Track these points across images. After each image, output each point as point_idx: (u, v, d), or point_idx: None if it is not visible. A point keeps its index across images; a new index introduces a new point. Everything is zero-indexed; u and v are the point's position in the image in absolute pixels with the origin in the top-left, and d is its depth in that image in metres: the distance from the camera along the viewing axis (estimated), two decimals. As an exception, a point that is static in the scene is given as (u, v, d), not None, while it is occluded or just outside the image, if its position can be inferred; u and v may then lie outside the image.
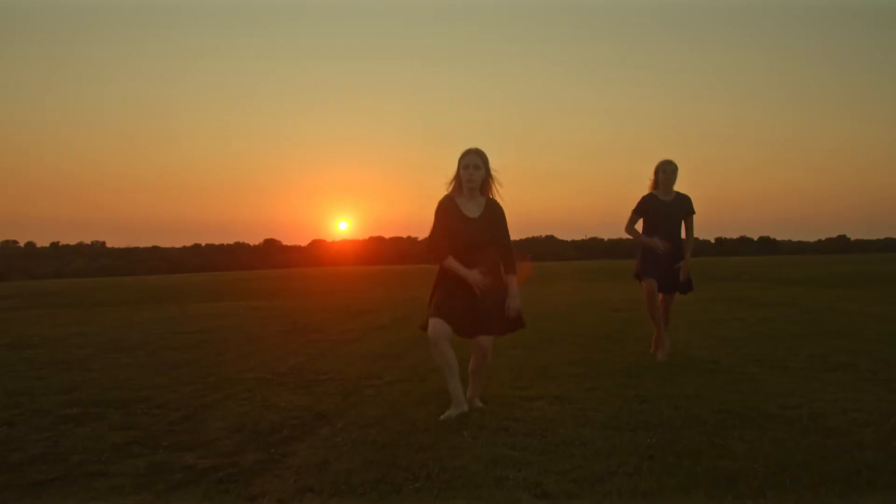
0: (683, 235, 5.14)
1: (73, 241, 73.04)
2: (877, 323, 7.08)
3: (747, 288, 13.70)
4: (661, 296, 5.07)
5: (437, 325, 3.35)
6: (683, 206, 5.10)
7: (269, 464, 2.80)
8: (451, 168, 3.54)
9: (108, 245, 74.09)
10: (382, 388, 4.28)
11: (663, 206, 5.05)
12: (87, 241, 74.30)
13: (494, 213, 3.55)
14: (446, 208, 3.51)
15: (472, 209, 3.51)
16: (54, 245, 70.66)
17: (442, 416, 3.39)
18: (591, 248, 76.15)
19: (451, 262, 3.42)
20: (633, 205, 5.12)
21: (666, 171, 5.02)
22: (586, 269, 26.54)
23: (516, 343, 6.23)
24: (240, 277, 26.73)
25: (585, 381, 4.33)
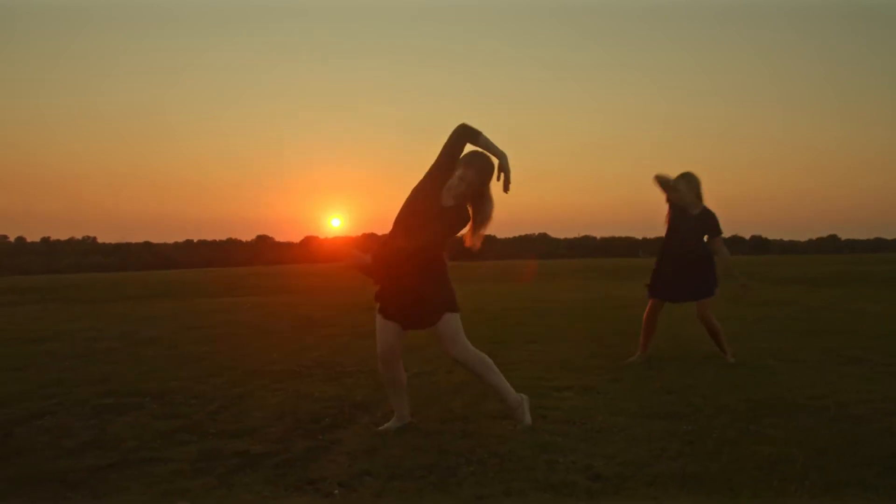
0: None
1: (63, 237, 72.54)
2: (879, 321, 7.24)
3: (746, 286, 13.86)
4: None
5: (381, 342, 3.19)
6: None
7: (319, 450, 2.88)
8: None
9: (100, 241, 73.60)
10: (411, 380, 4.33)
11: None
12: (79, 236, 73.82)
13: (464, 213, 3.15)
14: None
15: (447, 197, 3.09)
16: (45, 240, 70.11)
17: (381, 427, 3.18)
18: (584, 247, 76.43)
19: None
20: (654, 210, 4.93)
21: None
22: (585, 267, 26.73)
23: (529, 338, 6.35)
24: (236, 274, 26.71)
25: (608, 373, 4.44)
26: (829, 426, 2.99)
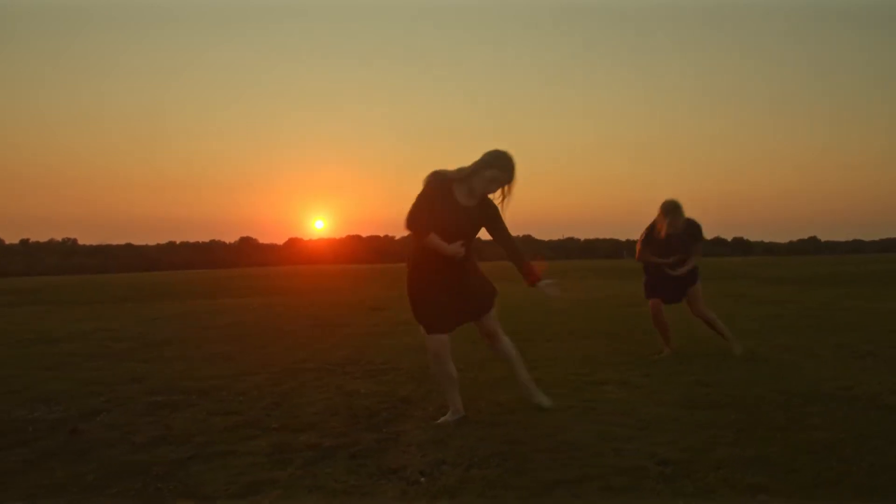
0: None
1: (43, 238, 71.54)
2: (880, 318, 7.49)
3: (740, 286, 14.18)
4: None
5: (438, 342, 3.32)
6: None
7: (387, 442, 2.99)
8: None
9: (80, 242, 72.68)
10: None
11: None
12: (59, 237, 72.85)
13: (489, 208, 3.31)
14: (438, 189, 3.19)
15: (467, 197, 3.26)
16: (24, 242, 69.06)
17: (439, 420, 3.31)
18: (568, 248, 76.87)
19: (433, 240, 3.15)
20: (638, 223, 5.14)
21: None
22: (574, 268, 26.97)
23: (548, 335, 6.51)
24: (224, 275, 26.56)
25: (638, 368, 4.60)
26: (865, 414, 3.18)
